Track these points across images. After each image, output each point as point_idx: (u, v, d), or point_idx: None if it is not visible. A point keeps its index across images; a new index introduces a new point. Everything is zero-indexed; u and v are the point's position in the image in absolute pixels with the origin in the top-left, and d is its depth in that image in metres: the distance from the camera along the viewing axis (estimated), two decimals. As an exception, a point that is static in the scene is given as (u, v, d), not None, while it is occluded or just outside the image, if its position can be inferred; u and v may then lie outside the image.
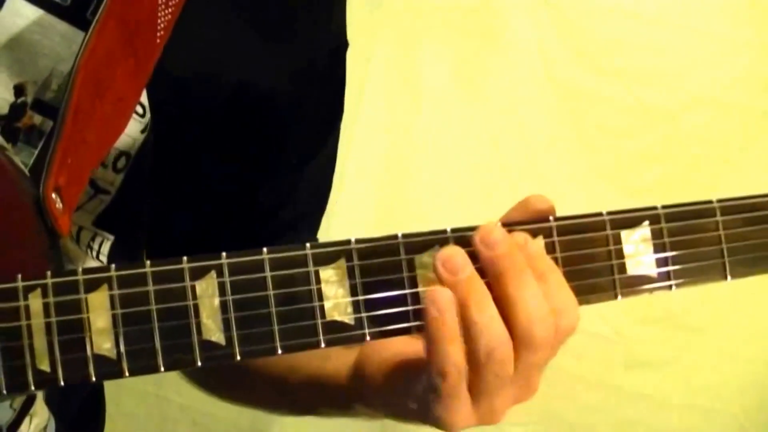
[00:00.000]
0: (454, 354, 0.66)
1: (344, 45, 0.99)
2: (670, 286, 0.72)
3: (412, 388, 0.71)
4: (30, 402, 0.81)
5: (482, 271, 0.67)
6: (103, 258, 0.87)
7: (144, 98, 0.82)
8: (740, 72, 1.79)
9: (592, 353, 1.79)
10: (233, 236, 0.97)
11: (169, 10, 0.79)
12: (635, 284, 0.71)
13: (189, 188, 0.94)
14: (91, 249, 0.86)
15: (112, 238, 0.87)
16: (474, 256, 0.67)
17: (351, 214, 1.76)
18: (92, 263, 0.85)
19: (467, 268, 0.66)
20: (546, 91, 1.82)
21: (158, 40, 0.79)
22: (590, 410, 1.83)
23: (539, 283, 0.67)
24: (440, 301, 0.65)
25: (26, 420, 0.81)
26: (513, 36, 1.82)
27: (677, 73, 1.80)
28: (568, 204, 0.73)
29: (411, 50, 1.83)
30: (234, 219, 0.97)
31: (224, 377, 1.00)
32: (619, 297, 0.71)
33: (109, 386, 1.78)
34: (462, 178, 1.83)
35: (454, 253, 0.67)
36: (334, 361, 0.84)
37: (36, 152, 0.78)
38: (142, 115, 0.83)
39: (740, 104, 1.79)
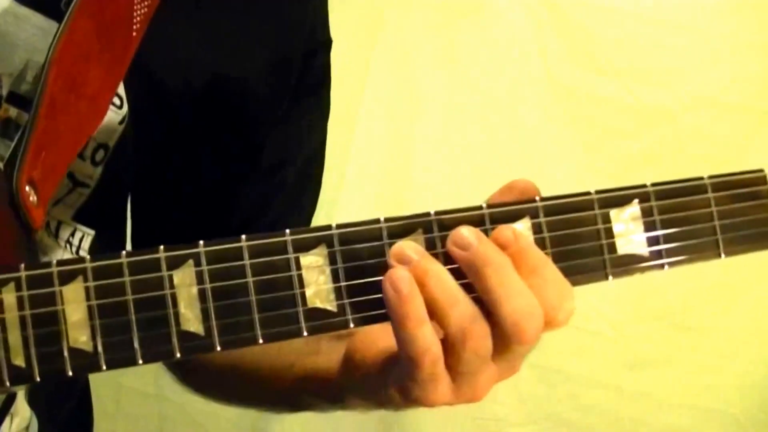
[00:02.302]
0: (422, 338, 0.64)
1: (327, 42, 0.98)
2: (662, 265, 0.70)
3: (391, 374, 0.69)
4: (10, 400, 0.80)
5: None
6: (84, 254, 0.86)
7: (121, 89, 0.82)
8: (740, 72, 1.79)
9: (592, 353, 1.78)
10: (217, 235, 0.96)
11: (146, 3, 0.78)
12: (626, 264, 0.69)
13: (170, 184, 0.93)
14: (71, 245, 0.84)
15: (92, 233, 0.86)
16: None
17: (351, 213, 1.75)
18: (71, 258, 0.84)
19: (419, 250, 0.65)
20: (546, 91, 1.82)
21: (134, 34, 0.78)
22: (590, 410, 1.82)
23: (531, 277, 0.65)
24: (398, 281, 0.63)
25: (7, 419, 0.80)
26: (512, 36, 1.82)
27: (677, 73, 1.80)
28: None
29: (410, 50, 1.83)
30: (217, 218, 0.96)
31: (216, 379, 0.99)
32: (611, 278, 0.69)
33: (110, 386, 1.79)
34: (462, 178, 1.83)
35: (404, 243, 0.65)
36: (326, 356, 0.82)
37: (12, 145, 0.77)
38: (120, 107, 0.82)
39: (740, 104, 1.79)
